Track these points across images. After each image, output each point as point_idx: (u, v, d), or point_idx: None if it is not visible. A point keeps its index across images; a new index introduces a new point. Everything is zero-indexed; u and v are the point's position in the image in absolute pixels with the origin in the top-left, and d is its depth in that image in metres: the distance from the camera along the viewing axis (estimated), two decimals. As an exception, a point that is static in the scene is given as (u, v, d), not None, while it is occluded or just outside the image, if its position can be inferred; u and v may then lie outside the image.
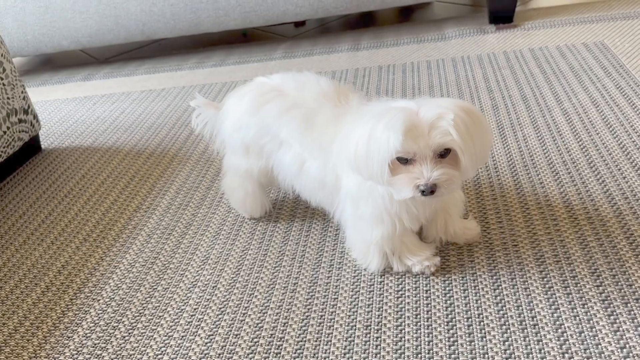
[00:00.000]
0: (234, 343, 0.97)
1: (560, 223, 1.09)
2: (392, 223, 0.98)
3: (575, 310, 0.91)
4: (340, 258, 1.10)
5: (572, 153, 1.28)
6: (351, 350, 0.91)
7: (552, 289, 0.95)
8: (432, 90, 1.70)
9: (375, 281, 1.03)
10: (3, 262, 1.27)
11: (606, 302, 0.91)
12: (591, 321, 0.89)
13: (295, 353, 0.93)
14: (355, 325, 0.95)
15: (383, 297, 1.00)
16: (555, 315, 0.91)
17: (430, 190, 0.85)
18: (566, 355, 0.84)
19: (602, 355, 0.83)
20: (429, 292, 0.99)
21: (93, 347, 1.01)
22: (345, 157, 0.92)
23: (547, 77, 1.65)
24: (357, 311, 0.98)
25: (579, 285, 0.95)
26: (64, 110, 2.07)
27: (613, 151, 1.26)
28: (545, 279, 0.97)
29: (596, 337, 0.86)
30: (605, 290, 0.93)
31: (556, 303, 0.93)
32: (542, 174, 1.24)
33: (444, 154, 0.86)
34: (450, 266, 1.03)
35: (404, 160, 0.86)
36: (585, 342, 0.86)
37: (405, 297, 0.99)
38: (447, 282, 1.00)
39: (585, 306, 0.91)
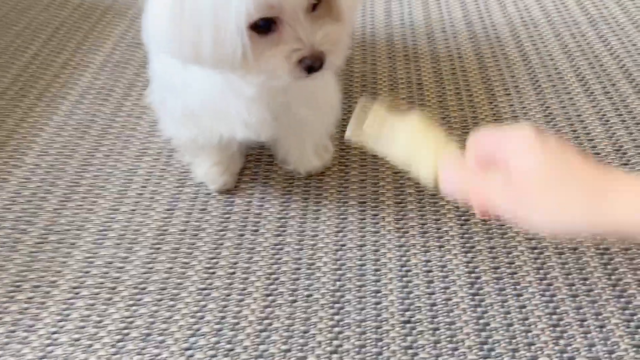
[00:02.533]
0: (200, 219, 0.79)
1: (575, 97, 0.96)
2: (209, 127, 0.70)
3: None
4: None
5: (580, 26, 1.14)
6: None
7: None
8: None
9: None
10: None
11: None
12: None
13: (276, 231, 0.77)
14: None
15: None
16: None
17: (319, 63, 0.55)
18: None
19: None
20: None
21: (16, 220, 0.80)
22: (156, 34, 0.56)
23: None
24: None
25: (599, 156, 0.83)
26: (-38, -49, 1.67)
27: (625, 26, 1.13)
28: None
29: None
30: (630, 161, 0.82)
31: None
32: (550, 47, 1.09)
33: (314, 5, 0.55)
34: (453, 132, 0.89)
35: (263, 26, 0.53)
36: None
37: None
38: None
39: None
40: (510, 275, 0.70)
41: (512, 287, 0.68)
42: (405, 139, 0.48)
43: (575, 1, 1.22)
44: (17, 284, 0.71)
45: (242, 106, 0.65)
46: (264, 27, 0.53)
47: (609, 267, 0.70)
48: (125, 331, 0.66)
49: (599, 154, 0.85)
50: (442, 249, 0.73)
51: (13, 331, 0.66)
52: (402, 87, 1.00)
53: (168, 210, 0.80)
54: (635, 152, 0.85)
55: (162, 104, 0.77)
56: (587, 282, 0.68)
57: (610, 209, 0.39)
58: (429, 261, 0.72)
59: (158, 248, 0.75)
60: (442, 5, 1.24)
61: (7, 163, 0.90)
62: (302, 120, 0.73)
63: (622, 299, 0.66)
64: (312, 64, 0.54)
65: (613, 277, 0.69)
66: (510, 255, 0.72)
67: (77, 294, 0.70)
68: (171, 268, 0.73)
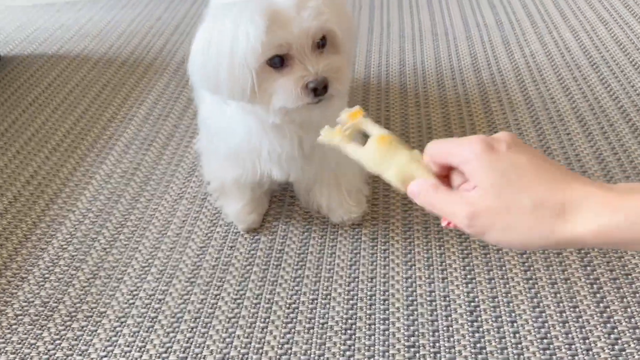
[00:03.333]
0: (229, 255, 0.89)
1: (574, 138, 1.03)
2: (251, 165, 0.81)
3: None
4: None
5: (582, 70, 1.22)
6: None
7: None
8: (430, 5, 1.59)
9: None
10: (-38, 170, 1.14)
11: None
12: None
13: (297, 265, 0.86)
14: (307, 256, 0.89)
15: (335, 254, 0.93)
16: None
17: (322, 86, 0.66)
18: (588, 267, 0.80)
19: (625, 267, 0.79)
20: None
21: (70, 259, 0.92)
22: (193, 71, 0.70)
23: (551, -5, 1.56)
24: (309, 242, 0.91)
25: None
26: (23, 17, 1.87)
27: (625, 68, 1.20)
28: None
29: (619, 251, 0.82)
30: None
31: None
32: (553, 90, 1.17)
33: (321, 43, 0.67)
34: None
35: (277, 63, 0.66)
36: (607, 255, 0.81)
37: (414, 239, 0.92)
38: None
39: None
40: (506, 304, 0.77)
41: (508, 314, 0.75)
42: (374, 146, 0.48)
43: (579, 45, 1.30)
44: (73, 314, 0.83)
45: (274, 143, 0.77)
46: (278, 63, 0.66)
47: (597, 295, 0.76)
48: (165, 355, 0.76)
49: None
50: (445, 280, 0.81)
51: (69, 355, 0.77)
52: (413, 132, 1.09)
53: (202, 247, 0.91)
54: (629, 188, 0.91)
55: (209, 149, 0.90)
56: (577, 310, 0.75)
57: (569, 226, 0.38)
58: (432, 291, 0.80)
59: (193, 282, 0.85)
60: (452, 54, 1.34)
61: (63, 208, 1.02)
62: (330, 160, 0.84)
63: (609, 325, 0.73)
64: (316, 86, 0.65)
65: (601, 304, 0.75)
66: (507, 286, 0.79)
67: (123, 322, 0.81)
68: (204, 299, 0.82)
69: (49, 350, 0.78)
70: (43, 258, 0.92)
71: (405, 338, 0.74)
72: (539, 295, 0.77)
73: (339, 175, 0.89)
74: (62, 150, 1.18)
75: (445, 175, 0.45)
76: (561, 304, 0.76)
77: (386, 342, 0.74)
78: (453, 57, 1.32)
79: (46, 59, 1.56)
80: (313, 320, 0.78)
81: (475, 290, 0.79)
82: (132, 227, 0.96)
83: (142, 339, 0.78)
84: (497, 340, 0.73)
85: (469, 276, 0.81)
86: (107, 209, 1.01)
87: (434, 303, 0.78)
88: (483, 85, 1.21)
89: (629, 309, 0.74)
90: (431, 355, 0.72)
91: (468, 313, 0.76)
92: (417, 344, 0.74)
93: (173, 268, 0.88)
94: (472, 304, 0.77)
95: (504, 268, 0.81)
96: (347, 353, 0.74)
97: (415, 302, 0.79)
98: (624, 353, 0.69)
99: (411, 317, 0.77)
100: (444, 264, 0.83)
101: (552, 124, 1.07)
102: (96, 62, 1.52)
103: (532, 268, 0.81)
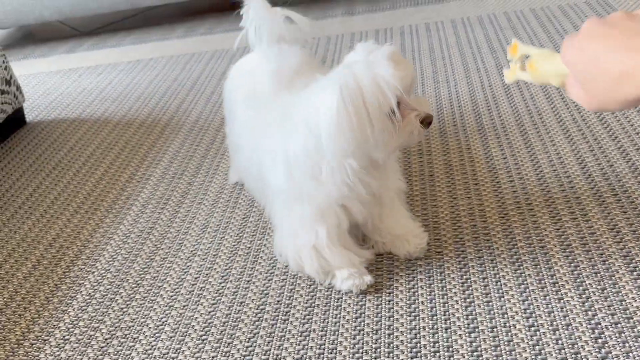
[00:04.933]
0: (239, 311, 0.92)
1: (574, 180, 1.05)
2: (336, 217, 0.88)
3: (596, 267, 0.87)
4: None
5: (581, 110, 1.24)
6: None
7: (570, 247, 0.91)
8: (432, 52, 1.64)
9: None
10: (-10, 236, 1.21)
11: (628, 257, 0.88)
12: (613, 277, 0.85)
13: (304, 319, 0.89)
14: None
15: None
16: (575, 272, 0.87)
17: (430, 119, 0.81)
18: (589, 312, 0.81)
19: (627, 311, 0.80)
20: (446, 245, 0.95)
21: (89, 320, 0.96)
22: (325, 136, 0.78)
23: (550, 37, 1.59)
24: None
25: (598, 242, 0.91)
26: (47, 83, 1.98)
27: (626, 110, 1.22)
28: (562, 237, 0.93)
29: (620, 293, 0.83)
30: (627, 246, 0.90)
31: (575, 261, 0.89)
32: (553, 132, 1.19)
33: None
34: (460, 220, 0.99)
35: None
36: (608, 299, 0.82)
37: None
38: (458, 239, 0.96)
39: (606, 262, 0.88)
40: (508, 352, 0.78)
41: (510, 363, 0.76)
42: (536, 65, 0.60)
43: (578, 86, 1.33)
44: (91, 375, 0.86)
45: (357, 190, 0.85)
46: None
47: (599, 340, 0.77)
48: (177, 413, 0.79)
49: (594, 233, 0.93)
50: (449, 330, 0.83)
51: (87, 416, 0.80)
52: (416, 180, 1.12)
53: (213, 304, 0.94)
54: (629, 229, 0.93)
55: (293, 236, 0.91)
56: (578, 356, 0.75)
57: None
58: (436, 342, 0.81)
59: (204, 339, 0.88)
60: (453, 100, 1.37)
61: (83, 269, 1.07)
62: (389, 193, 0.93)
63: (611, 371, 0.73)
64: (430, 121, 0.81)
65: (603, 350, 0.76)
66: (509, 334, 0.80)
67: (138, 382, 0.84)
68: (215, 357, 0.85)
69: (68, 412, 0.81)
70: (64, 320, 0.96)
71: (410, 390, 0.76)
72: (540, 342, 0.78)
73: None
74: (82, 213, 1.24)
75: None
76: (563, 351, 0.76)
77: (391, 395, 0.76)
78: (454, 102, 1.36)
79: (69, 123, 1.65)
80: (319, 375, 0.80)
81: (478, 339, 0.80)
82: (147, 287, 1.00)
83: (156, 398, 0.81)
84: (499, 390, 0.74)
85: (471, 325, 0.82)
86: (124, 269, 1.06)
87: (437, 354, 0.80)
88: (483, 130, 1.24)
89: (630, 354, 0.74)
90: (435, 407, 0.73)
91: (471, 363, 0.77)
92: (421, 395, 0.75)
93: (186, 326, 0.91)
94: (475, 353, 0.79)
95: (505, 316, 0.83)
96: (353, 407, 0.75)
97: (419, 354, 0.80)
98: (626, 400, 0.70)
99: (415, 369, 0.78)
100: (447, 313, 0.85)
101: (552, 167, 1.09)
102: (116, 124, 1.60)
103: (533, 315, 0.82)
